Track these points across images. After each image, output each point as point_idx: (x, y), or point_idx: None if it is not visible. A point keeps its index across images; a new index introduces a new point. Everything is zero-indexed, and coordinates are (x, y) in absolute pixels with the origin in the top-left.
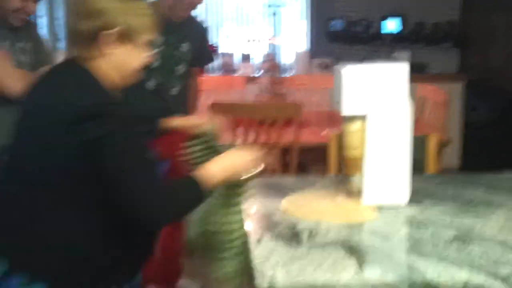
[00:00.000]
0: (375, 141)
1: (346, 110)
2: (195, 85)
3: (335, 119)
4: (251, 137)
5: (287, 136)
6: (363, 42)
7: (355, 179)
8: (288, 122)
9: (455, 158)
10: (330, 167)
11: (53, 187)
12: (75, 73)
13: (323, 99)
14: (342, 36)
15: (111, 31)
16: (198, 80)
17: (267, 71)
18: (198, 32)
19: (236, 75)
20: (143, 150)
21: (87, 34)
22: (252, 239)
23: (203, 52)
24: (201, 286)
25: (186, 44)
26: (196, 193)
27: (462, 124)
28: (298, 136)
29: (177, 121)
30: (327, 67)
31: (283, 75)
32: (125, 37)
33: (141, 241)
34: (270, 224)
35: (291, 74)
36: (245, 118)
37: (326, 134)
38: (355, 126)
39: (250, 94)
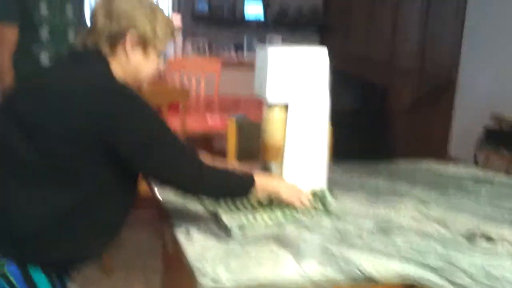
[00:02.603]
0: (295, 129)
1: (271, 98)
2: None
3: (214, 105)
4: None
5: (172, 124)
6: (228, 25)
7: (274, 166)
8: (172, 108)
9: None
10: (230, 155)
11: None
12: (100, 63)
13: (202, 84)
14: (207, 18)
15: (135, 33)
16: None
17: None
18: None
19: None
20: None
21: (113, 33)
22: (180, 238)
23: (82, 14)
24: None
25: (69, 5)
26: (243, 188)
27: None
28: (185, 124)
29: None
30: (201, 49)
31: None
32: (147, 42)
33: (110, 224)
34: (195, 219)
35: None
36: None
37: (212, 121)
38: (276, 114)
39: None
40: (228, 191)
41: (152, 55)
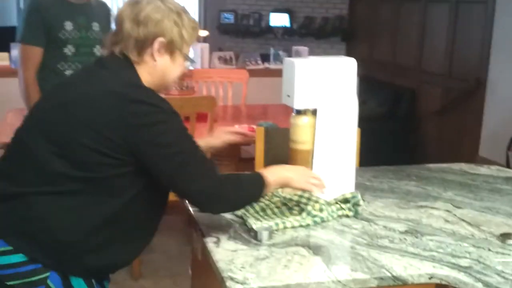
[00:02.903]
0: (324, 135)
1: (298, 104)
2: None
3: (241, 114)
4: None
5: (200, 132)
6: (254, 36)
7: None
8: (200, 117)
9: None
10: (258, 162)
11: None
12: (127, 69)
13: (229, 93)
14: (233, 29)
15: (163, 39)
16: None
17: None
18: (103, 11)
19: None
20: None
21: (140, 39)
22: (209, 243)
23: (110, 30)
24: None
25: (96, 23)
26: (257, 191)
27: None
28: (213, 132)
29: None
30: (228, 61)
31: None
32: (174, 47)
33: (143, 230)
34: (223, 225)
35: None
36: None
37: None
38: (304, 120)
39: None
40: (245, 199)
41: (179, 59)
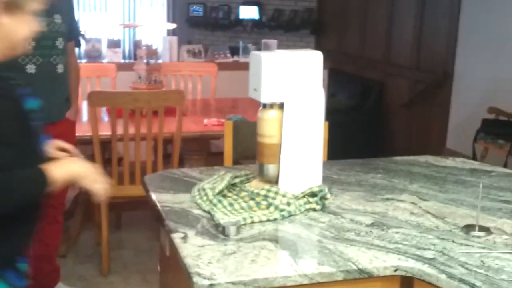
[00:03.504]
0: (292, 129)
1: (265, 98)
2: (75, 62)
3: (210, 108)
4: (131, 128)
5: (169, 126)
6: (223, 28)
7: (270, 166)
8: (168, 111)
9: None
10: (227, 156)
11: None
12: None
13: (198, 87)
14: (202, 21)
15: None
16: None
17: (143, 57)
18: (64, 3)
19: (103, 61)
20: None
21: None
22: (176, 239)
23: (73, 24)
24: None
25: (57, 15)
26: (35, 190)
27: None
28: (181, 126)
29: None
30: (197, 54)
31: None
32: (13, 6)
33: (15, 232)
34: (191, 220)
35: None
36: (122, 108)
37: (208, 123)
38: (271, 114)
39: (122, 82)
40: (16, 201)
41: (24, 17)
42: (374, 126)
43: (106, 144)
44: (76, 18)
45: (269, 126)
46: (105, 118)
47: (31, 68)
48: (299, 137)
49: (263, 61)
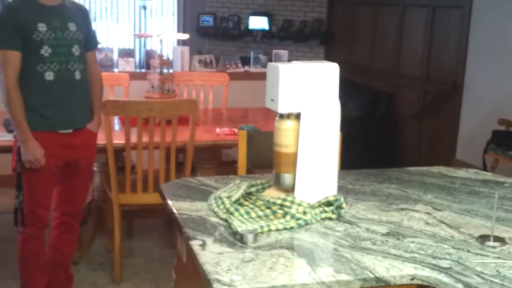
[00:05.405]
0: (308, 139)
1: (282, 108)
2: (98, 73)
3: (222, 117)
4: (145, 136)
5: (182, 135)
6: (233, 39)
7: (287, 176)
8: (181, 120)
9: None
10: (241, 165)
11: None
12: None
13: (210, 97)
14: (212, 31)
15: None
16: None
17: (157, 67)
18: (80, 13)
19: (116, 71)
20: None
21: None
22: (195, 246)
23: (91, 34)
24: None
25: (72, 23)
26: None
27: None
28: (194, 135)
29: None
30: (208, 64)
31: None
32: None
33: None
34: (208, 228)
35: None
36: (138, 117)
37: (221, 132)
38: (288, 124)
39: (135, 91)
40: None
41: None
42: (383, 136)
43: (118, 152)
44: (94, 28)
45: (285, 136)
46: (117, 127)
47: (49, 75)
48: (315, 147)
49: (281, 72)
